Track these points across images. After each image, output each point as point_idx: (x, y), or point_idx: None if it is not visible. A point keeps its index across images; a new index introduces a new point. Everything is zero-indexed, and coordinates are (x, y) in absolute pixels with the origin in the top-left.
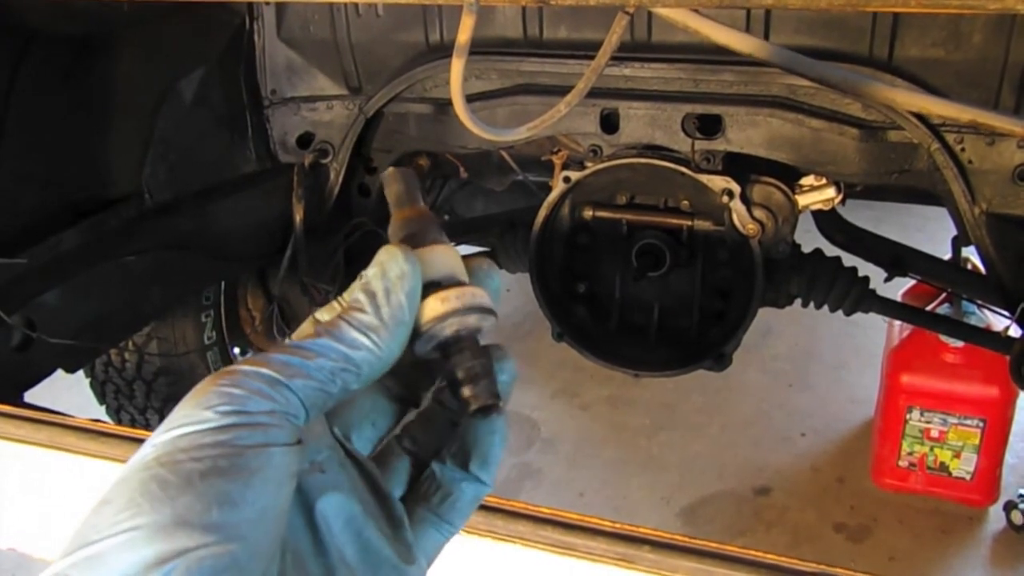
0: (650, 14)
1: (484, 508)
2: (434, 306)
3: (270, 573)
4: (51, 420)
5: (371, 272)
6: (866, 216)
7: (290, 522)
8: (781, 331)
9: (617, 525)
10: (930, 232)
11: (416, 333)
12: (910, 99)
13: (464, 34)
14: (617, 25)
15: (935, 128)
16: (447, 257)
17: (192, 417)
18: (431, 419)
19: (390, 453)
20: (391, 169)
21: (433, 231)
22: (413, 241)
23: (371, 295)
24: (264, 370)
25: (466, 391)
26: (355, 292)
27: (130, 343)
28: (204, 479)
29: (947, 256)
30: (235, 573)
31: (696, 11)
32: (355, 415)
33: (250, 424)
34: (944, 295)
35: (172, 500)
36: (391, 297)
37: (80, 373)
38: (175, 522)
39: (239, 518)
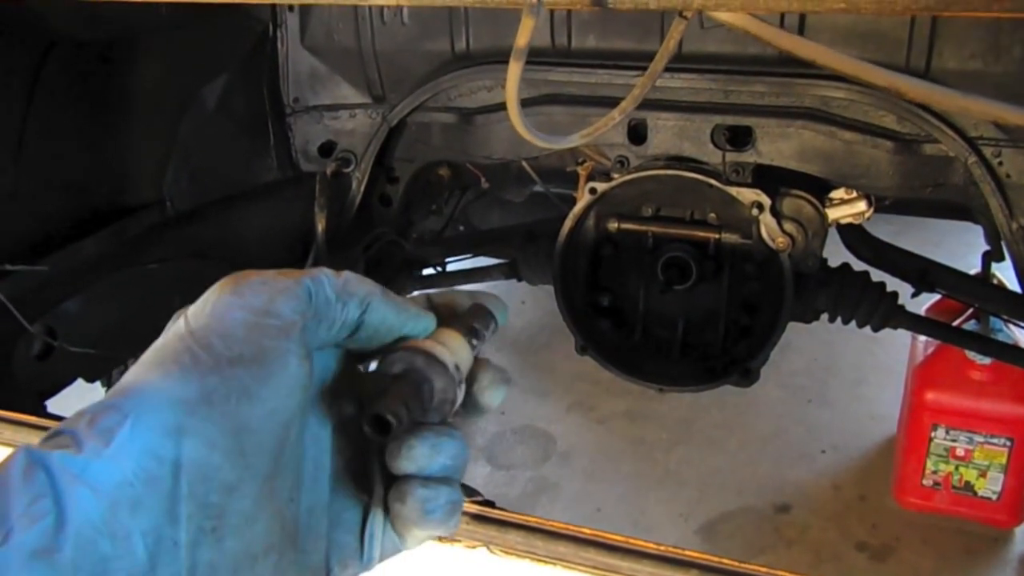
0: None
1: (523, 528)
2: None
3: (271, 487)
4: None
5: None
6: (885, 231)
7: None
8: (800, 346)
9: (663, 548)
10: (948, 247)
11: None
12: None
13: (523, 37)
14: (675, 31)
15: (972, 141)
16: (456, 340)
17: (229, 302)
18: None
19: None
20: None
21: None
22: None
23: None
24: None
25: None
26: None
27: None
28: (231, 366)
29: (972, 271)
30: (239, 461)
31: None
32: None
33: (277, 327)
34: (970, 311)
35: (201, 377)
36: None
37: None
38: (199, 399)
39: (252, 412)
